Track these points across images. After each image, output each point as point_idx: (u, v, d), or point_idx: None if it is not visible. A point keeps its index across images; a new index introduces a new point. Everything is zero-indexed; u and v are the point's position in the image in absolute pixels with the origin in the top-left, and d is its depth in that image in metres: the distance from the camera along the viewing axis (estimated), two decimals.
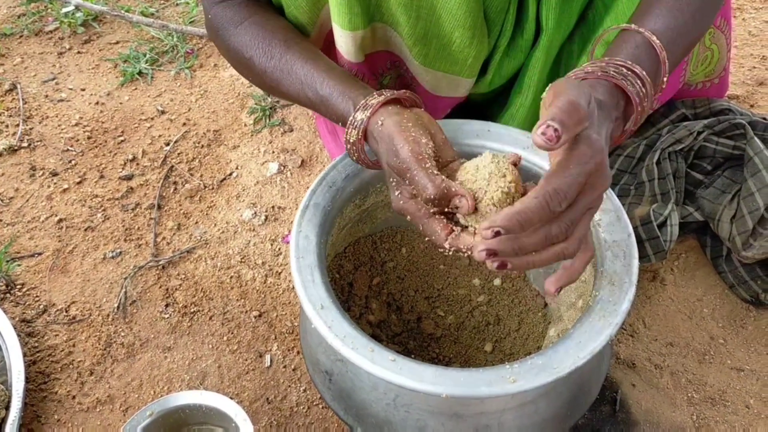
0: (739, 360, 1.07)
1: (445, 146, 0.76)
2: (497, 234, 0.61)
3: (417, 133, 0.73)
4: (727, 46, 1.13)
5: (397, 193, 0.75)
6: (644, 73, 0.74)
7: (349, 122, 0.78)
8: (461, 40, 0.89)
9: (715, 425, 1.00)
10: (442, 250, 0.73)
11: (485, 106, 1.12)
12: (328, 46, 0.97)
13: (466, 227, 0.73)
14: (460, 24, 0.87)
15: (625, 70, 0.73)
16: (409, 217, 0.74)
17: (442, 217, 0.73)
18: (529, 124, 1.03)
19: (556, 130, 0.60)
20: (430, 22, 0.88)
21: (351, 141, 0.78)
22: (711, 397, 1.03)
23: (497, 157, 0.72)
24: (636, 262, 0.81)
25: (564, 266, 0.70)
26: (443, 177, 0.70)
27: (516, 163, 0.73)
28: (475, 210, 0.70)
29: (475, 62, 0.93)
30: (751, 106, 1.40)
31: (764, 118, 1.20)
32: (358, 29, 0.87)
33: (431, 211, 0.72)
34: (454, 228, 0.72)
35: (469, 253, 0.70)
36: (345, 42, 0.90)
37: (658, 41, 0.76)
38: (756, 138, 1.12)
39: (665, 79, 0.77)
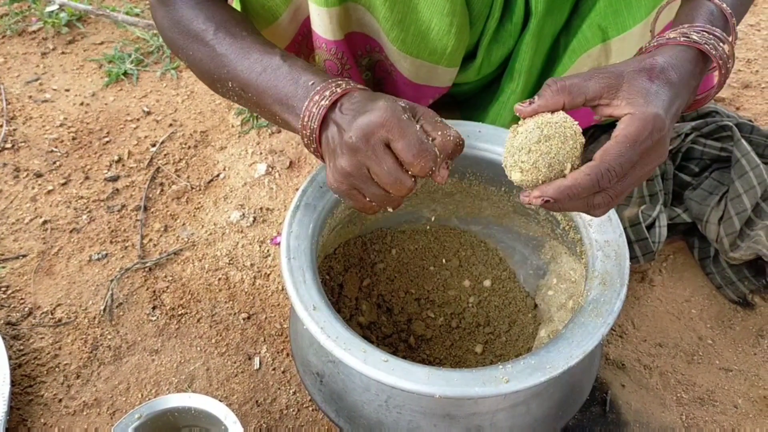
0: (727, 360, 1.08)
1: None
2: (546, 201, 0.68)
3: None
4: None
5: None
6: (725, 35, 0.74)
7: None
8: (439, 27, 0.88)
9: (704, 425, 1.01)
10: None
11: (476, 96, 1.11)
12: (305, 35, 0.96)
13: None
14: (438, 10, 0.86)
15: (707, 35, 0.73)
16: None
17: None
18: None
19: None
20: (408, 6, 0.87)
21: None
22: (700, 397, 1.03)
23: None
24: (627, 263, 0.82)
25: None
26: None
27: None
28: None
29: (456, 53, 0.93)
30: (737, 108, 1.41)
31: (750, 121, 1.21)
32: (333, 5, 0.86)
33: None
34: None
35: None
36: (321, 19, 0.88)
37: (728, 8, 0.76)
38: (743, 140, 1.13)
39: (734, 45, 0.77)
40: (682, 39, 0.73)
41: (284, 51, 0.82)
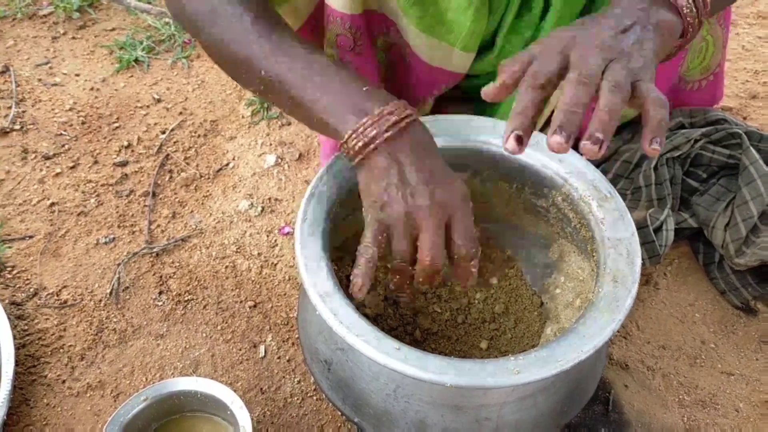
0: (730, 364, 1.09)
1: None
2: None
3: None
4: (723, 42, 1.14)
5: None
6: None
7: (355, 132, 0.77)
8: (458, 5, 0.88)
9: (705, 428, 1.01)
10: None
11: None
12: (319, 14, 0.95)
13: None
14: None
15: None
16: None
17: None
18: None
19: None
20: None
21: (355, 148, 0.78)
22: (702, 399, 1.04)
23: None
24: (639, 261, 0.82)
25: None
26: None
27: None
28: None
29: (473, 36, 0.93)
30: (744, 118, 1.42)
31: (758, 129, 1.22)
32: None
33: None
34: None
35: None
36: None
37: None
38: (752, 148, 1.14)
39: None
40: None
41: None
